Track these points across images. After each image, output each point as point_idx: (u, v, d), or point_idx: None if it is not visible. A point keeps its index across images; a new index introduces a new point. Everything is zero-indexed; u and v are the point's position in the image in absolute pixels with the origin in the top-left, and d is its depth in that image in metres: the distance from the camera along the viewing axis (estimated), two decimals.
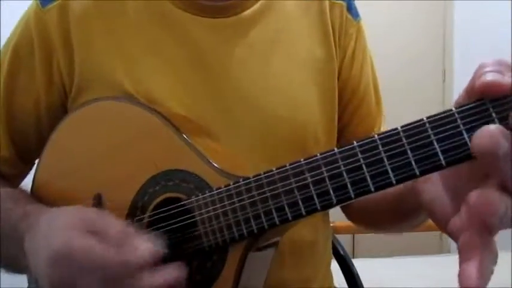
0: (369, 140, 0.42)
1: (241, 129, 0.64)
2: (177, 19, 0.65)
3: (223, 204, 0.49)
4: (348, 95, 0.73)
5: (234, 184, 0.49)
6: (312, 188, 0.45)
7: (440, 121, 0.39)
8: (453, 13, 3.05)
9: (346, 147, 0.43)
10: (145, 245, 0.46)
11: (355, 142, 0.43)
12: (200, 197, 0.51)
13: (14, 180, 0.70)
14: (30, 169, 0.71)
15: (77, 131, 0.60)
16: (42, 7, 0.64)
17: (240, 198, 0.48)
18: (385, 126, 0.76)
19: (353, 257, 1.28)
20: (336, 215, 0.77)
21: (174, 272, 0.47)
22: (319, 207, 0.44)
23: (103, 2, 0.65)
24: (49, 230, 0.49)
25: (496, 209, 0.35)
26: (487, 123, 0.36)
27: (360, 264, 1.12)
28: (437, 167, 0.39)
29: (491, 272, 0.36)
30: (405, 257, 2.06)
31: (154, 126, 0.56)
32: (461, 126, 0.38)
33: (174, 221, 0.53)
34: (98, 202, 0.56)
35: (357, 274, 1.08)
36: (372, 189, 0.42)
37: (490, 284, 0.36)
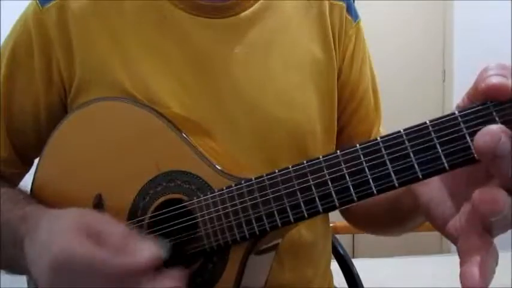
0: (372, 142, 0.42)
1: (239, 129, 0.63)
2: (175, 19, 0.64)
3: (225, 205, 0.49)
4: (347, 96, 0.73)
5: (235, 185, 0.49)
6: (314, 190, 0.44)
7: (443, 124, 0.39)
8: (453, 13, 3.05)
9: (348, 150, 0.43)
10: (146, 249, 0.45)
11: (357, 145, 0.43)
12: (202, 198, 0.51)
13: (13, 180, 0.70)
14: (29, 168, 0.71)
15: (77, 131, 0.60)
16: (41, 6, 0.64)
17: (241, 200, 0.48)
18: (383, 128, 0.76)
19: (353, 257, 1.28)
20: (336, 215, 0.77)
21: (175, 277, 0.46)
22: (321, 210, 0.44)
23: (101, 2, 0.64)
24: (49, 235, 0.48)
25: (501, 207, 0.35)
26: None
27: (359, 264, 1.12)
28: (440, 171, 0.39)
29: (493, 272, 0.36)
30: (405, 257, 2.06)
31: (155, 126, 0.55)
32: (464, 129, 0.38)
33: (175, 222, 0.53)
34: (99, 202, 0.56)
35: (357, 274, 1.08)
36: (375, 192, 0.42)
37: (491, 284, 0.36)
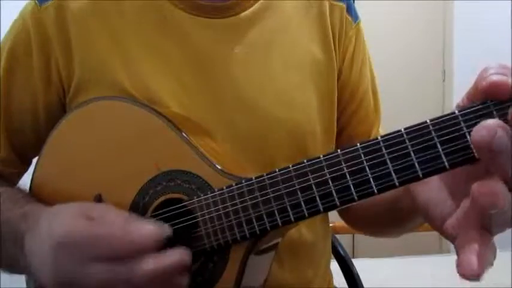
0: (372, 142, 0.42)
1: (239, 129, 0.63)
2: (175, 19, 0.64)
3: (225, 205, 0.49)
4: (347, 97, 0.73)
5: (236, 185, 0.49)
6: (314, 189, 0.44)
7: (444, 123, 0.39)
8: (453, 13, 3.05)
9: (349, 149, 0.43)
10: (150, 226, 0.46)
11: (358, 144, 0.43)
12: (202, 197, 0.51)
13: (12, 179, 0.70)
14: (28, 168, 0.71)
15: (77, 130, 0.60)
16: (40, 5, 0.64)
17: (242, 199, 0.48)
18: (382, 129, 0.76)
19: (353, 257, 1.28)
20: (336, 215, 0.77)
21: (181, 252, 0.46)
22: (322, 209, 0.44)
23: (101, 2, 0.64)
24: (49, 227, 0.49)
25: (500, 200, 0.34)
26: None
27: (360, 264, 1.12)
28: (441, 169, 0.39)
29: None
30: (405, 257, 2.06)
31: (154, 125, 0.55)
32: (464, 128, 0.38)
33: (175, 221, 0.53)
34: (98, 202, 0.56)
35: (357, 274, 1.08)
36: (375, 191, 0.42)
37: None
